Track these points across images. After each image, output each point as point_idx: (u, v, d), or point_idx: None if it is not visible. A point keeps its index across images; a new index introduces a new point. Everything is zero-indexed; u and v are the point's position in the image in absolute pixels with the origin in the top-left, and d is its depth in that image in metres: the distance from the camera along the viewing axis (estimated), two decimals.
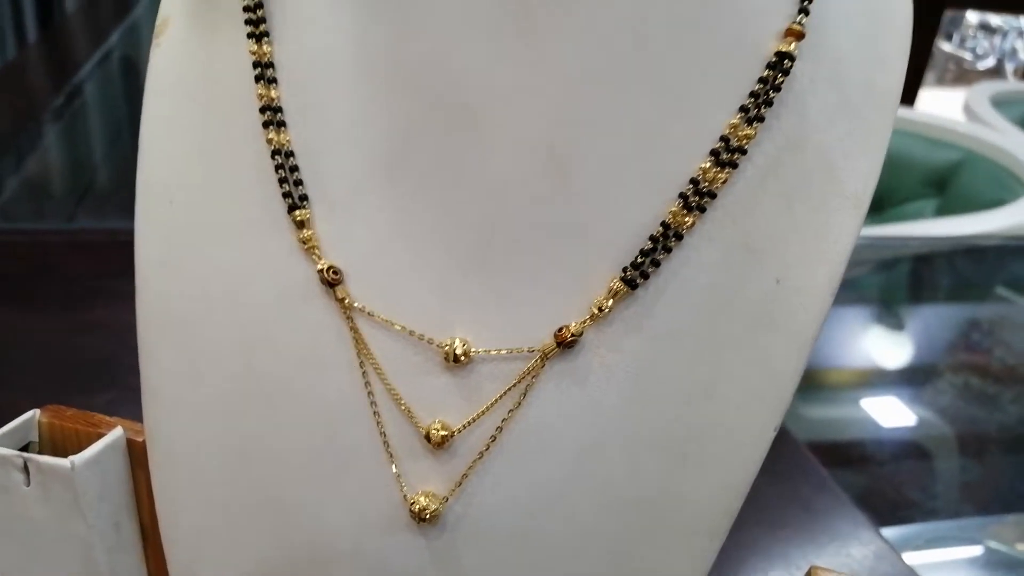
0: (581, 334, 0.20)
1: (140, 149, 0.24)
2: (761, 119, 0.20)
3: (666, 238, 0.20)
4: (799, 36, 0.20)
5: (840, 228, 0.21)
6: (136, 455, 0.25)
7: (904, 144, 1.62)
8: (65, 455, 0.24)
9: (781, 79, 0.20)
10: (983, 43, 4.39)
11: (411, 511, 0.21)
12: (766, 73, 0.20)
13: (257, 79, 0.22)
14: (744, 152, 0.20)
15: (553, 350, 0.20)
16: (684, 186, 0.20)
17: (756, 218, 0.20)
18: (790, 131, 0.20)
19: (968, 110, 1.84)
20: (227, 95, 0.23)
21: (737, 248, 0.20)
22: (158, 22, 0.25)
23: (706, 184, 0.20)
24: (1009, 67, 4.24)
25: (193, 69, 0.24)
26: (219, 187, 0.23)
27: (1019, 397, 1.05)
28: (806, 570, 0.23)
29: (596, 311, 0.20)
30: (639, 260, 0.20)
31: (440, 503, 0.21)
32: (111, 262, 0.65)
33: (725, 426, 0.20)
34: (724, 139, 0.20)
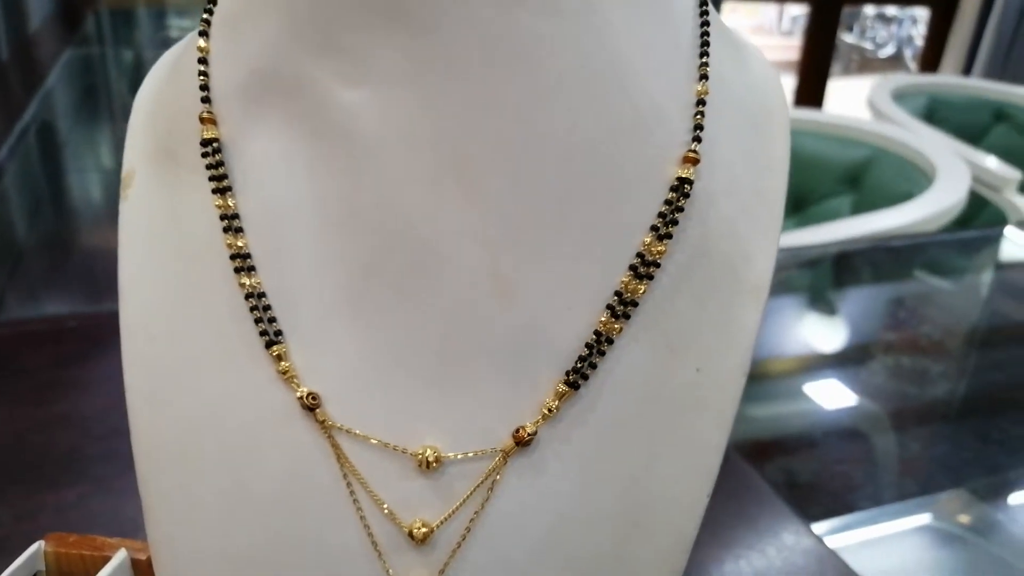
0: (536, 432, 0.23)
1: (120, 294, 0.26)
2: (670, 236, 0.23)
3: (599, 343, 0.23)
4: (695, 161, 0.24)
5: (745, 317, 0.24)
6: (140, 572, 0.27)
7: (817, 145, 1.71)
8: None
9: (683, 201, 0.24)
10: (882, 32, 4.60)
11: None
12: (671, 196, 0.24)
13: (225, 230, 0.25)
14: (658, 265, 0.23)
15: (513, 449, 0.23)
16: (610, 298, 0.23)
17: (673, 319, 0.24)
18: (696, 241, 0.24)
19: (872, 106, 1.94)
20: (196, 243, 0.26)
21: (660, 346, 0.24)
22: (124, 174, 0.28)
23: (628, 295, 0.23)
24: (908, 53, 4.45)
25: (161, 219, 0.26)
26: (197, 326, 0.25)
27: (947, 370, 1.12)
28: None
29: (547, 412, 0.23)
30: (578, 365, 0.23)
31: None
32: (63, 350, 0.66)
33: (666, 496, 0.24)
34: (640, 255, 0.23)
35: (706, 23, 0.26)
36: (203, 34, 0.27)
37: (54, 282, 0.93)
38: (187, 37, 0.30)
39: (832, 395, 1.00)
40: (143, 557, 0.27)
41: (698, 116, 0.24)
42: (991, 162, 1.64)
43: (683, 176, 0.24)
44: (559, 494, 0.24)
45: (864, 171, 1.65)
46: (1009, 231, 1.38)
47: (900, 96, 2.03)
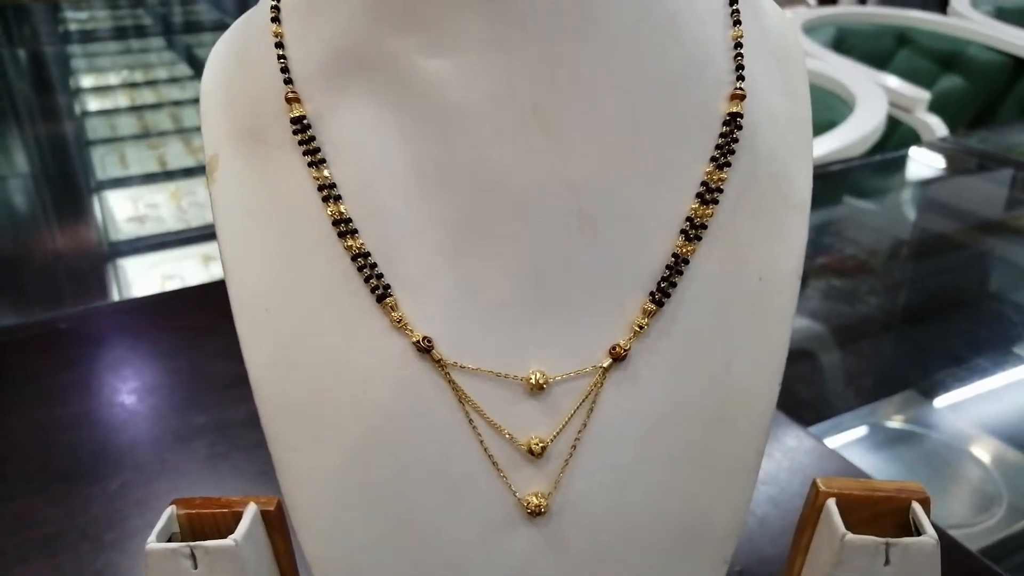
0: (629, 348, 0.27)
1: (225, 271, 0.28)
2: (728, 164, 0.27)
3: (677, 264, 0.27)
4: (742, 97, 0.27)
5: (793, 229, 0.28)
6: (270, 523, 0.29)
7: None
8: (204, 538, 0.28)
9: (736, 132, 0.27)
10: None
11: (525, 509, 0.27)
12: (724, 129, 0.27)
13: (324, 199, 0.27)
14: (720, 191, 0.27)
15: (610, 364, 0.27)
16: (683, 223, 0.27)
17: (736, 236, 0.27)
18: (747, 167, 0.28)
19: None
20: (294, 214, 0.28)
21: (727, 261, 0.27)
22: (208, 159, 0.29)
23: (698, 219, 0.27)
24: None
25: (256, 196, 0.28)
26: (308, 292, 0.27)
27: (873, 288, 1.20)
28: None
29: (637, 328, 0.27)
30: (661, 284, 0.27)
31: (547, 498, 0.27)
32: (59, 354, 0.66)
33: (743, 389, 0.28)
34: (704, 183, 0.27)
35: None
36: (275, 20, 0.28)
37: (22, 289, 0.92)
38: (240, 25, 0.31)
39: None
40: (270, 508, 0.29)
41: (738, 57, 0.28)
42: (902, 85, 1.73)
43: (734, 111, 0.27)
44: (653, 399, 0.27)
45: None
46: (913, 151, 1.46)
47: (809, 29, 2.11)
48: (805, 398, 0.96)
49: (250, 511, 0.29)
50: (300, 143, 0.27)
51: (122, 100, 2.00)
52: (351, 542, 0.28)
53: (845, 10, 2.50)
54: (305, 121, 0.27)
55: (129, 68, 2.32)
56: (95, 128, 1.79)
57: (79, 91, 2.09)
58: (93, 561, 0.27)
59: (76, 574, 0.44)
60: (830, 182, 1.42)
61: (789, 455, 0.54)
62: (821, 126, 1.50)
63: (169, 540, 0.29)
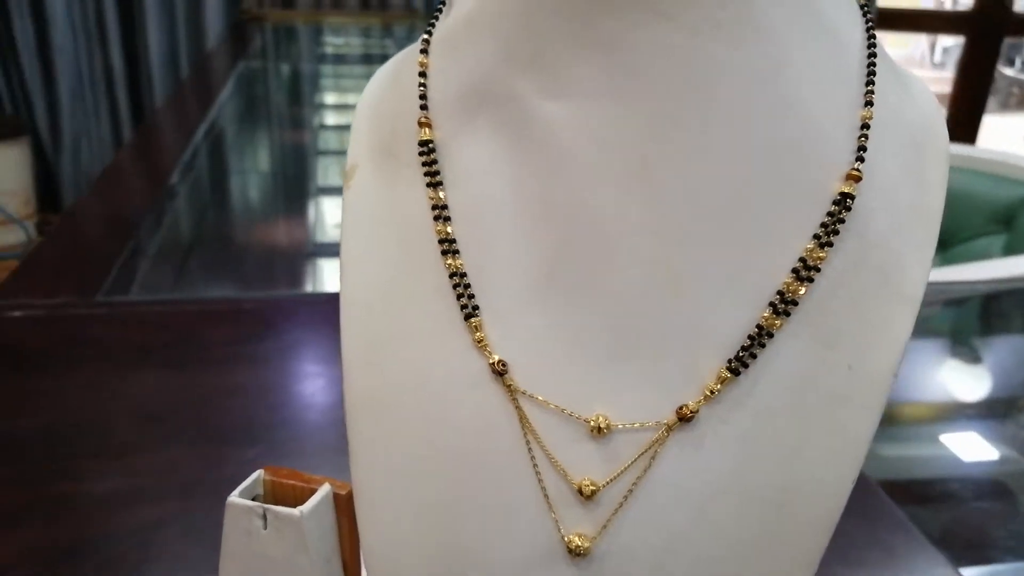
0: (698, 411, 0.26)
1: (342, 269, 0.31)
2: (830, 244, 0.26)
3: (760, 336, 0.26)
4: (857, 179, 0.26)
5: (897, 322, 0.27)
6: (339, 505, 0.32)
7: (968, 181, 1.64)
8: (284, 505, 0.31)
9: (844, 213, 0.26)
10: None
11: (568, 548, 0.27)
12: (833, 208, 0.26)
13: (436, 218, 0.29)
14: (818, 270, 0.26)
15: (676, 423, 0.27)
16: (773, 296, 0.26)
17: (830, 319, 0.26)
18: (854, 251, 0.27)
19: None
20: (410, 228, 0.30)
21: (816, 343, 0.26)
22: (347, 167, 0.33)
23: (790, 294, 0.26)
24: None
25: (381, 207, 0.31)
26: (407, 300, 0.30)
27: None
28: None
29: (709, 393, 0.26)
30: (740, 354, 0.26)
31: (590, 541, 0.27)
32: (241, 329, 0.74)
33: (812, 481, 0.26)
34: (802, 260, 0.26)
35: (873, 55, 0.28)
36: (424, 51, 0.31)
37: (232, 271, 1.03)
38: (402, 53, 0.34)
39: (971, 446, 0.97)
40: (342, 493, 0.32)
41: (862, 138, 0.27)
42: None
43: (845, 191, 0.26)
44: (715, 469, 0.27)
45: (1019, 211, 1.58)
46: None
47: None
48: (972, 537, 0.87)
49: (323, 490, 0.31)
50: (423, 164, 0.30)
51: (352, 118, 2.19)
52: (401, 544, 0.29)
53: None
54: (431, 145, 0.30)
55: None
56: (326, 140, 1.97)
57: (321, 106, 2.32)
58: (218, 513, 0.31)
59: (200, 521, 0.49)
60: None
61: None
62: None
63: (254, 500, 0.32)
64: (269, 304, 0.78)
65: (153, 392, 0.64)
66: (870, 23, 0.29)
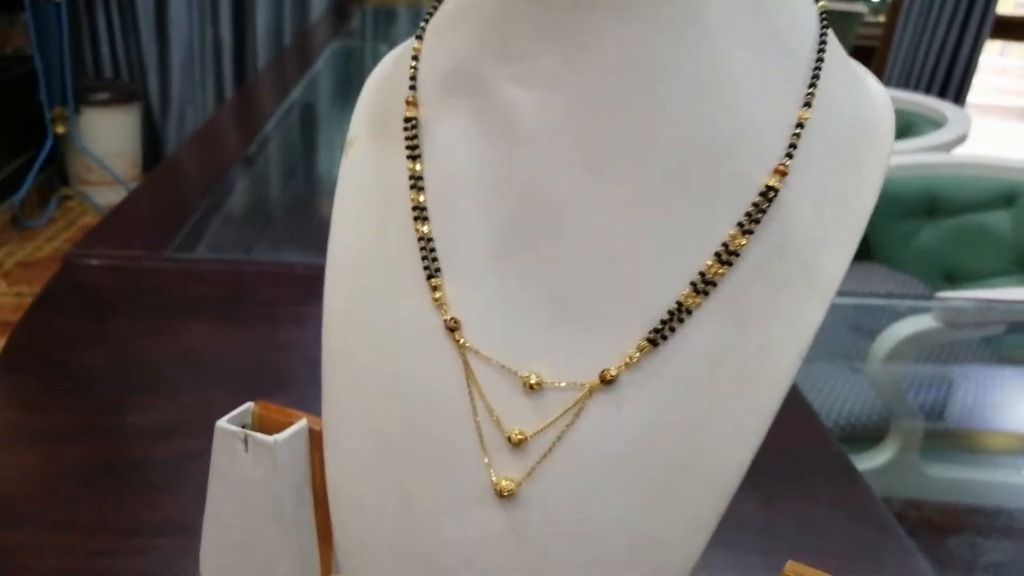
0: (618, 375, 0.29)
1: (332, 230, 0.35)
2: (751, 232, 0.28)
3: (680, 312, 0.29)
4: (783, 174, 0.28)
5: (810, 313, 0.29)
6: (314, 440, 0.36)
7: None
8: (269, 435, 0.35)
9: (766, 205, 0.28)
10: None
11: (496, 490, 0.30)
12: (757, 199, 0.28)
13: (412, 188, 0.33)
14: (738, 255, 0.28)
15: (598, 385, 0.29)
16: (695, 276, 0.29)
17: (746, 301, 0.29)
18: (776, 240, 0.29)
19: None
20: (391, 196, 0.34)
21: (731, 322, 0.29)
22: (348, 139, 0.36)
23: (710, 275, 0.28)
24: None
25: (370, 176, 0.35)
26: (381, 260, 0.33)
27: None
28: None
29: (628, 360, 0.29)
30: (659, 327, 0.29)
31: (516, 486, 0.30)
32: (292, 291, 0.79)
33: (716, 450, 0.29)
34: (724, 244, 0.29)
35: (821, 60, 0.30)
36: (419, 37, 0.35)
37: (294, 238, 1.10)
38: (409, 40, 0.38)
39: None
40: (317, 429, 0.36)
41: (795, 136, 0.29)
42: None
43: (770, 184, 0.28)
44: (631, 430, 0.29)
45: None
46: None
47: None
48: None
49: (299, 424, 0.35)
50: (406, 139, 0.33)
51: None
52: (360, 479, 0.33)
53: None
54: (414, 122, 0.33)
55: None
56: None
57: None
58: None
59: None
60: None
61: None
62: None
63: (243, 428, 0.36)
64: (320, 270, 0.83)
65: (202, 341, 0.70)
66: (825, 28, 0.31)
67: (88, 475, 0.55)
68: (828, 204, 0.29)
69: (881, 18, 3.69)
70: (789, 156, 0.29)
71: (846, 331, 1.48)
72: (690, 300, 0.29)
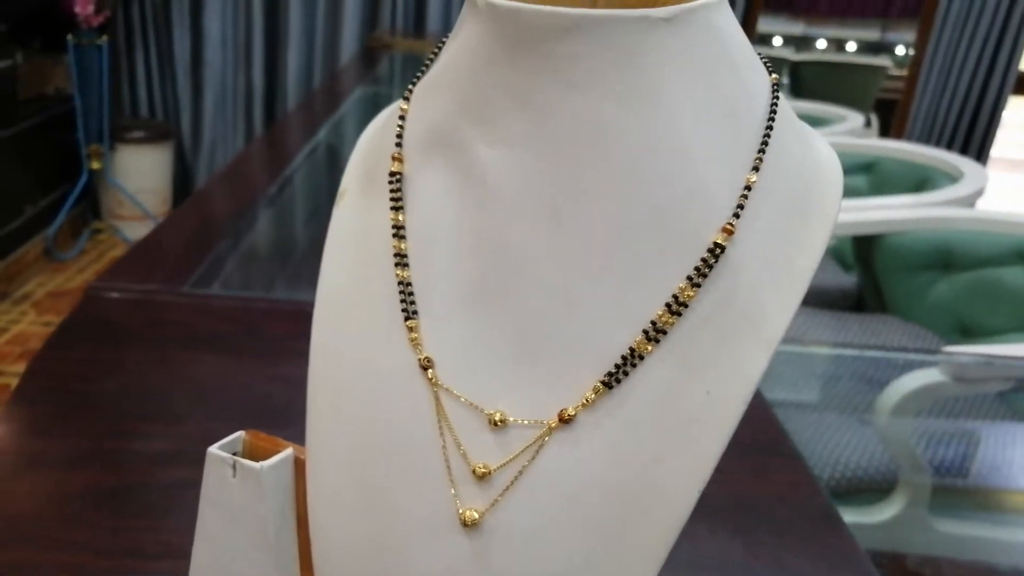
0: (575, 415, 0.31)
1: (321, 273, 0.38)
2: (699, 285, 0.31)
3: (632, 358, 0.31)
4: (730, 232, 0.31)
5: (754, 362, 0.31)
6: (299, 468, 0.38)
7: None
8: (257, 462, 0.37)
9: (714, 260, 0.31)
10: None
11: (461, 520, 0.32)
12: (706, 255, 0.31)
13: (394, 236, 0.35)
14: (687, 306, 0.31)
15: (557, 424, 0.31)
16: (647, 325, 0.31)
17: (694, 349, 0.31)
18: (723, 293, 0.31)
19: None
20: (375, 244, 0.36)
21: (680, 368, 0.31)
22: (340, 190, 0.39)
23: (661, 324, 0.31)
24: None
25: (357, 225, 0.37)
26: (364, 303, 0.36)
27: None
28: None
29: (585, 401, 0.31)
30: (613, 371, 0.31)
31: (480, 516, 0.32)
32: (300, 328, 0.82)
33: (666, 486, 0.31)
34: (675, 296, 0.31)
35: (770, 127, 0.33)
36: (406, 99, 0.38)
37: (311, 277, 1.13)
38: (399, 101, 0.41)
39: None
40: (301, 458, 0.38)
41: (742, 198, 0.31)
42: None
43: (718, 242, 0.31)
44: (587, 466, 0.31)
45: None
46: None
47: None
48: None
49: (285, 452, 0.37)
50: (391, 191, 0.36)
51: None
52: (335, 508, 0.35)
53: None
54: (399, 176, 0.36)
55: None
56: None
57: None
58: None
59: None
60: None
61: None
62: None
63: (234, 455, 0.39)
64: None
65: (211, 374, 0.73)
66: (775, 98, 0.34)
67: (94, 499, 0.58)
68: (774, 260, 0.31)
69: (905, 71, 3.73)
70: (736, 216, 0.31)
71: (855, 382, 1.48)
72: (642, 347, 0.31)
